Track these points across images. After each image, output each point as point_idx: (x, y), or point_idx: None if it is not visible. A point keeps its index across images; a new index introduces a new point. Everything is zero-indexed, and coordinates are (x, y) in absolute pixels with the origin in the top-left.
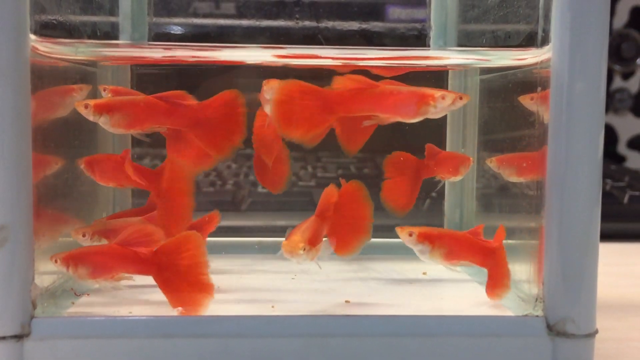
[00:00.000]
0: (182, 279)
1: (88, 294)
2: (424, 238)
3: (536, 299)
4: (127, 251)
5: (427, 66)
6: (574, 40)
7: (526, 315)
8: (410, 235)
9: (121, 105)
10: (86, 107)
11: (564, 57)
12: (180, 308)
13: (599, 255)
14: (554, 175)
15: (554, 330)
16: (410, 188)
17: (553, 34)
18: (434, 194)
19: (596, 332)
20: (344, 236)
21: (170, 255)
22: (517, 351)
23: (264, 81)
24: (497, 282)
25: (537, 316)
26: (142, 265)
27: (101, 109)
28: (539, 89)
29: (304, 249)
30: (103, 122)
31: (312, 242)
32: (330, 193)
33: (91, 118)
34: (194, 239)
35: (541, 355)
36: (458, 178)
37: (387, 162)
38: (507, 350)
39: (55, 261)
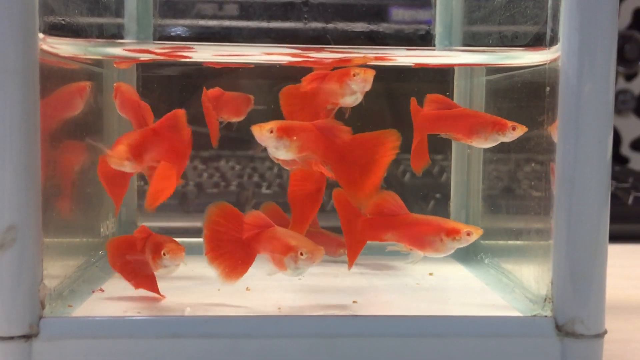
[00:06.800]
0: None
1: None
2: (284, 132)
3: (545, 300)
4: None
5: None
6: (583, 40)
7: (535, 316)
8: (271, 132)
9: None
10: None
11: (572, 57)
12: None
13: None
14: (562, 176)
15: (562, 330)
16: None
17: (562, 34)
18: (438, 195)
19: (605, 332)
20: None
21: None
22: (525, 352)
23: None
24: None
25: (545, 317)
26: None
27: None
28: (548, 89)
29: (271, 131)
30: None
31: (286, 132)
32: None
33: None
34: None
35: (550, 355)
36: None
37: None
38: (515, 350)
39: None
